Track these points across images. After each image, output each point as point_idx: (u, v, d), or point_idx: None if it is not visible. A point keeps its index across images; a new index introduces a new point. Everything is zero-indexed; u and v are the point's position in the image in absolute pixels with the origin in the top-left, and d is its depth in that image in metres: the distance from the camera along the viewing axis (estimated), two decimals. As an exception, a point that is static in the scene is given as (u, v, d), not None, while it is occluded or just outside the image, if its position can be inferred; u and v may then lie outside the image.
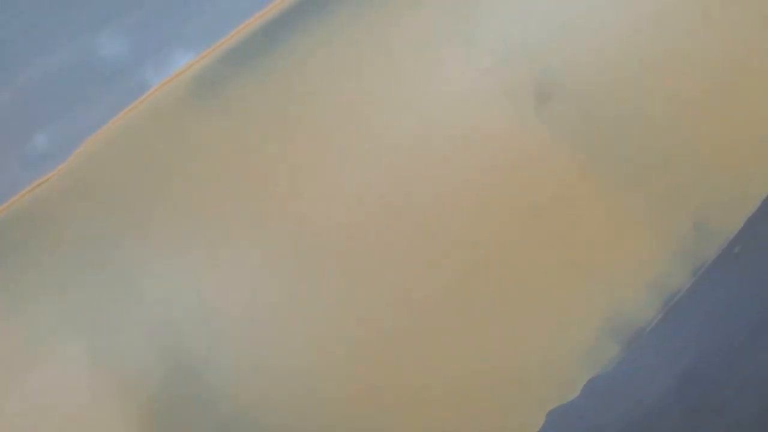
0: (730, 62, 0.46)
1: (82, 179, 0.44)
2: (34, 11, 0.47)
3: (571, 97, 0.45)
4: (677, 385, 0.40)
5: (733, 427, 0.40)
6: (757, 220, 0.43)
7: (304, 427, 0.41)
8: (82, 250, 0.42)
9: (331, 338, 0.43)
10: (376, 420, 0.42)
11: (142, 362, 0.41)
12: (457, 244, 0.43)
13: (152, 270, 0.43)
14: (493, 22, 0.47)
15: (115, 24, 0.47)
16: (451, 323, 0.42)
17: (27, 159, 0.44)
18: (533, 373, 0.41)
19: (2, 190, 0.44)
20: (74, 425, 0.41)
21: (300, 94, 0.45)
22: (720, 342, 0.42)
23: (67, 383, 0.41)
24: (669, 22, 0.47)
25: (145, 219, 0.43)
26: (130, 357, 0.41)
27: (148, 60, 0.45)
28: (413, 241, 0.44)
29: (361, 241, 0.43)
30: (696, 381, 0.41)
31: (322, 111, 0.45)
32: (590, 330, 0.43)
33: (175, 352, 0.42)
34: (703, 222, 0.43)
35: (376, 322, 0.42)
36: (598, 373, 0.38)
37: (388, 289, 0.42)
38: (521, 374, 0.41)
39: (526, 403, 0.41)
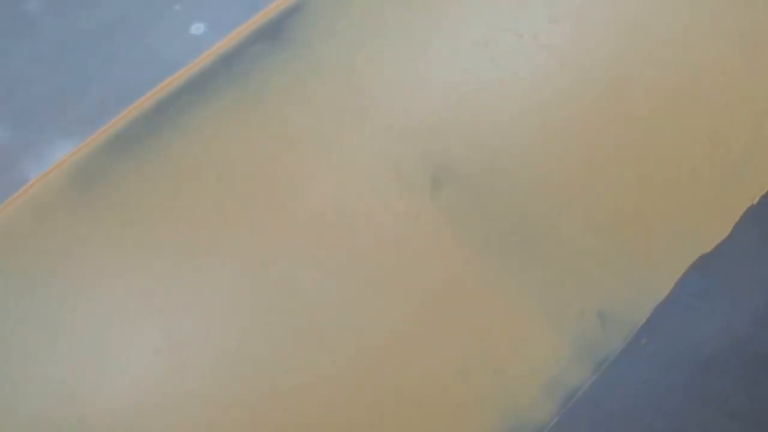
0: (632, 148, 0.44)
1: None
2: None
3: (468, 182, 0.43)
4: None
5: None
6: (668, 308, 0.40)
7: None
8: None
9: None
10: None
11: None
12: (345, 331, 0.40)
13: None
14: (392, 101, 0.45)
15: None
16: (334, 419, 0.39)
17: None
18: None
19: None
20: None
21: (185, 175, 0.43)
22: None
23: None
24: (566, 105, 0.44)
25: (25, 310, 0.41)
26: None
27: (27, 150, 0.43)
28: (295, 323, 0.41)
29: (239, 322, 0.41)
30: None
31: (209, 189, 0.43)
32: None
33: None
34: (608, 311, 0.40)
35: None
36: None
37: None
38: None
39: None
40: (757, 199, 0.43)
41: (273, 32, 0.47)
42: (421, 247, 0.42)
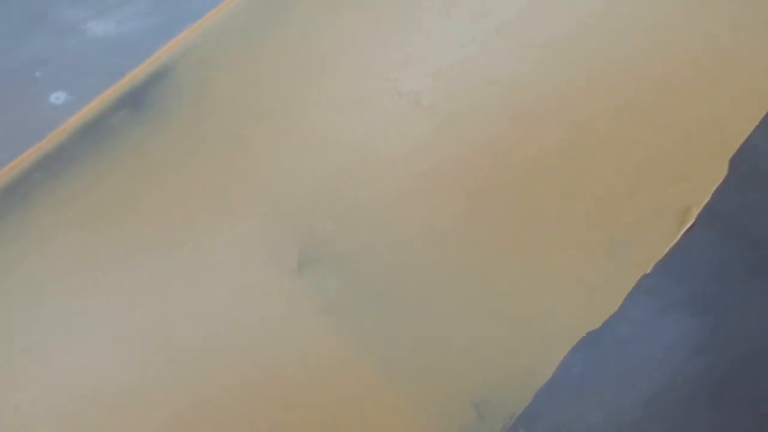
0: (512, 227, 0.41)
1: None
2: None
3: (337, 260, 0.39)
4: None
5: None
6: (549, 393, 0.36)
7: None
8: None
9: None
10: None
11: None
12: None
13: None
14: (262, 170, 0.42)
15: None
16: None
17: None
18: None
19: None
20: None
21: (30, 263, 0.40)
22: None
23: None
24: (450, 173, 0.41)
25: None
26: None
27: None
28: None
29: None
30: None
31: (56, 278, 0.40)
32: None
33: None
34: (484, 401, 0.37)
35: None
36: None
37: None
38: None
39: None
40: (651, 267, 0.39)
41: (137, 100, 0.44)
42: (286, 329, 0.38)
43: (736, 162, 0.43)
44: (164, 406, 0.37)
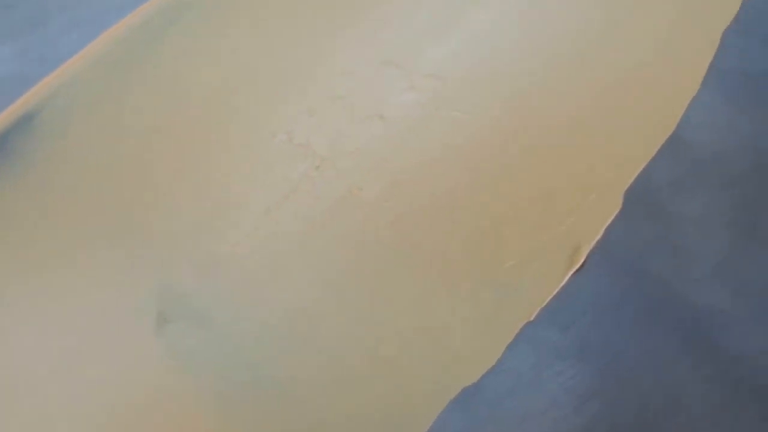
0: (389, 289, 0.38)
1: None
2: None
3: (196, 315, 0.36)
4: None
5: None
6: None
7: None
8: None
9: None
10: None
11: None
12: None
13: None
14: (120, 225, 0.39)
15: None
16: None
17: None
18: None
19: None
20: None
21: None
22: None
23: None
24: (326, 216, 0.38)
25: None
26: None
27: None
28: None
29: None
30: None
31: None
32: None
33: None
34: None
35: None
36: None
37: None
38: None
39: None
40: (535, 315, 0.36)
41: None
42: (144, 396, 0.35)
43: (630, 195, 0.40)
44: None
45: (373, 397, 0.36)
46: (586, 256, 0.39)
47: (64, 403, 0.36)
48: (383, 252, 0.39)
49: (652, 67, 0.44)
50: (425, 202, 0.40)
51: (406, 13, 0.46)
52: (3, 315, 0.38)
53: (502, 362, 0.36)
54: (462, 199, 0.40)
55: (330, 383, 0.36)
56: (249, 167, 0.41)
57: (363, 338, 0.37)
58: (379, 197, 0.40)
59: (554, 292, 0.38)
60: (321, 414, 0.35)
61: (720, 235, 0.41)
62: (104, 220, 0.40)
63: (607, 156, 0.41)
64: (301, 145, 0.42)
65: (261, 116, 0.42)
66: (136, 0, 0.45)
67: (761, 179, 0.42)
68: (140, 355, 0.37)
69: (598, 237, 0.39)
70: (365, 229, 0.39)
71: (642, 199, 0.41)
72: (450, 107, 0.43)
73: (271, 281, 0.38)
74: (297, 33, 0.46)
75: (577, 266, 0.38)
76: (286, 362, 0.37)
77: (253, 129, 0.42)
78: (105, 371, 0.37)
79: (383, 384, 0.36)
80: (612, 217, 0.40)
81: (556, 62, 0.44)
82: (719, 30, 0.46)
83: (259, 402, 0.36)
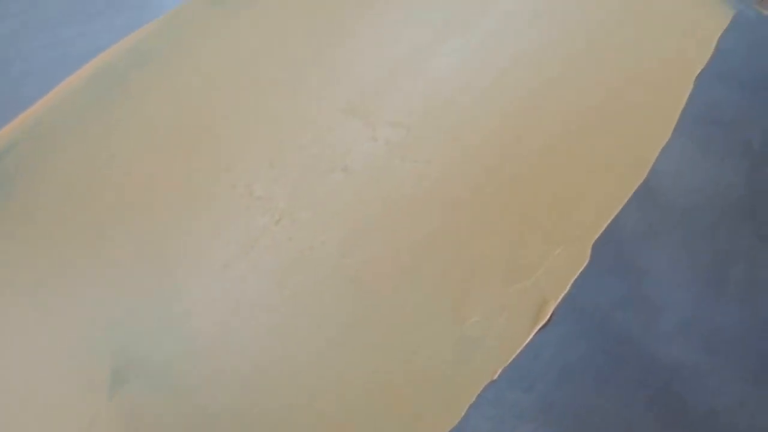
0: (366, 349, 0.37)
1: None
2: None
3: (152, 380, 0.35)
4: None
5: None
6: None
7: None
8: None
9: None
10: None
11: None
12: None
13: None
14: (65, 280, 0.38)
15: None
16: None
17: None
18: None
19: None
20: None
21: None
22: None
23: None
24: (291, 265, 0.37)
25: None
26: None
27: None
28: None
29: None
30: None
31: None
32: None
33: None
34: None
35: None
36: None
37: None
38: None
39: None
40: (497, 374, 0.35)
41: None
42: None
43: (598, 247, 0.39)
44: None
45: None
46: (552, 311, 0.38)
47: None
48: (342, 308, 0.38)
49: (623, 115, 0.43)
50: (386, 254, 0.39)
51: (369, 60, 0.45)
52: None
53: (463, 423, 0.35)
54: (425, 251, 0.39)
55: None
56: (209, 220, 0.40)
57: (317, 400, 0.36)
58: (339, 252, 0.39)
59: (518, 350, 0.37)
60: None
61: (687, 288, 0.40)
62: (59, 279, 0.39)
63: (575, 207, 0.40)
64: (261, 198, 0.41)
65: (222, 167, 0.41)
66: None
67: (729, 231, 0.41)
68: (94, 416, 0.36)
69: (565, 292, 0.38)
70: (324, 285, 0.38)
71: (610, 251, 0.39)
72: (413, 157, 0.42)
73: (226, 339, 0.37)
74: (259, 82, 0.45)
75: (543, 322, 0.37)
76: (241, 421, 0.35)
77: (213, 180, 0.41)
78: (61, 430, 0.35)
79: None
80: (580, 270, 0.39)
81: (522, 113, 0.43)
82: (692, 75, 0.45)
83: None
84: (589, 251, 0.39)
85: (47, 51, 0.46)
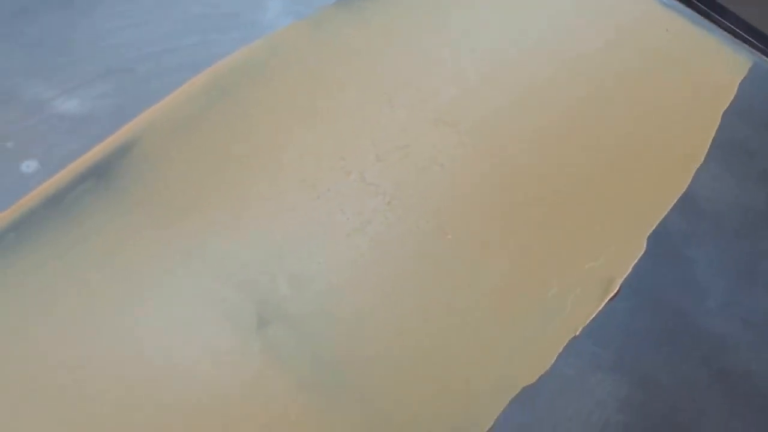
0: (452, 292, 0.45)
1: None
2: None
3: (293, 320, 0.43)
4: None
5: None
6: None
7: None
8: None
9: None
10: None
11: None
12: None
13: None
14: (218, 242, 0.45)
15: None
16: None
17: None
18: None
19: None
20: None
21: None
22: None
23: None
24: (395, 242, 0.45)
25: None
26: None
27: None
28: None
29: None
30: None
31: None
32: None
33: None
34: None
35: None
36: None
37: None
38: None
39: None
40: (578, 331, 0.43)
41: (102, 171, 0.47)
42: (246, 383, 0.41)
43: (652, 240, 0.48)
44: None
45: (451, 392, 0.43)
46: (619, 286, 0.47)
47: (179, 388, 0.42)
48: (444, 274, 0.46)
49: (664, 138, 0.54)
50: (480, 229, 0.48)
51: (450, 77, 0.55)
52: (128, 315, 0.44)
53: (553, 369, 0.44)
54: (511, 235, 0.48)
55: (416, 375, 0.43)
56: (331, 199, 0.48)
57: (441, 341, 0.44)
58: (440, 227, 0.48)
59: (593, 315, 0.45)
60: (393, 405, 0.42)
61: (726, 277, 0.49)
62: (202, 237, 0.47)
63: (634, 206, 0.50)
64: (372, 183, 0.49)
65: (337, 158, 0.50)
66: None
67: (755, 235, 0.51)
68: (244, 350, 0.43)
69: (627, 272, 0.47)
70: (429, 254, 0.47)
71: (661, 243, 0.49)
72: (498, 154, 0.51)
73: (349, 291, 0.45)
74: (361, 96, 0.54)
75: (611, 295, 0.46)
76: (362, 359, 0.43)
77: (331, 167, 0.50)
78: (212, 362, 0.43)
79: (460, 382, 0.43)
80: (638, 257, 0.48)
81: (589, 124, 0.53)
82: (720, 110, 0.55)
83: (339, 394, 0.42)
84: (644, 242, 0.49)
85: (170, 56, 0.54)
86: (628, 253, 0.47)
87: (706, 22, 0.61)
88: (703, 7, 0.62)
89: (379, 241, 0.46)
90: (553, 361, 0.43)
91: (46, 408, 0.40)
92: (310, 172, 0.49)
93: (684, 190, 0.50)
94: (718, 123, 0.53)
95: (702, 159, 0.52)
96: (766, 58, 0.58)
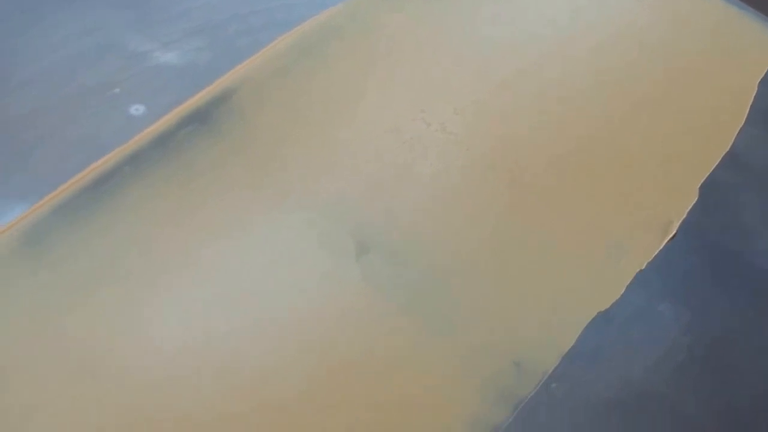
0: (532, 220, 0.50)
1: None
2: None
3: (390, 249, 0.48)
4: None
5: None
6: (572, 358, 0.45)
7: None
8: None
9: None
10: None
11: None
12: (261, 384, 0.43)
13: None
14: (314, 180, 0.50)
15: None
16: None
17: None
18: None
19: None
20: None
21: (121, 240, 0.47)
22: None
23: None
24: (472, 186, 0.51)
25: None
26: None
27: None
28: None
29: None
30: None
31: (142, 251, 0.48)
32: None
33: None
34: (522, 362, 0.45)
35: None
36: None
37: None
38: None
39: None
40: (644, 265, 0.49)
41: (203, 117, 0.52)
42: (345, 305, 0.46)
43: (703, 190, 0.54)
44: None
45: (534, 315, 0.48)
46: (676, 229, 0.52)
47: (285, 315, 0.47)
48: (520, 217, 0.52)
49: (708, 103, 0.60)
50: (551, 184, 0.53)
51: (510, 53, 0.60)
52: (232, 244, 0.49)
53: (624, 297, 0.49)
54: (583, 184, 0.53)
55: (494, 308, 0.48)
56: (414, 145, 0.54)
57: (525, 272, 0.49)
58: (512, 169, 0.53)
59: (656, 252, 0.51)
60: (484, 329, 0.47)
61: (771, 222, 0.55)
62: (300, 176, 0.52)
63: (686, 163, 0.56)
64: (452, 133, 0.55)
65: (418, 110, 0.56)
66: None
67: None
68: (345, 276, 0.48)
69: (683, 217, 0.53)
70: (503, 196, 0.52)
71: (711, 193, 0.55)
72: (562, 114, 0.57)
73: (437, 227, 0.51)
74: (437, 56, 0.59)
75: (671, 235, 0.52)
76: (454, 286, 0.49)
77: (413, 119, 0.55)
78: (317, 288, 0.48)
79: (542, 306, 0.48)
80: (692, 203, 0.54)
81: (646, 90, 0.59)
82: (756, 79, 0.62)
83: (436, 320, 0.47)
84: (696, 191, 0.55)
85: (256, 17, 0.59)
86: (682, 200, 0.53)
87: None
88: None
89: (460, 183, 0.51)
90: (623, 291, 0.48)
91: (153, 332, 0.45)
92: (392, 122, 0.54)
93: (728, 149, 0.56)
94: (755, 90, 0.59)
95: (743, 121, 0.58)
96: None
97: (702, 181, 0.54)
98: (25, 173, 0.49)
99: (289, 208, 0.49)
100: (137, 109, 0.52)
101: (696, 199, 0.53)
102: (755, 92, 0.59)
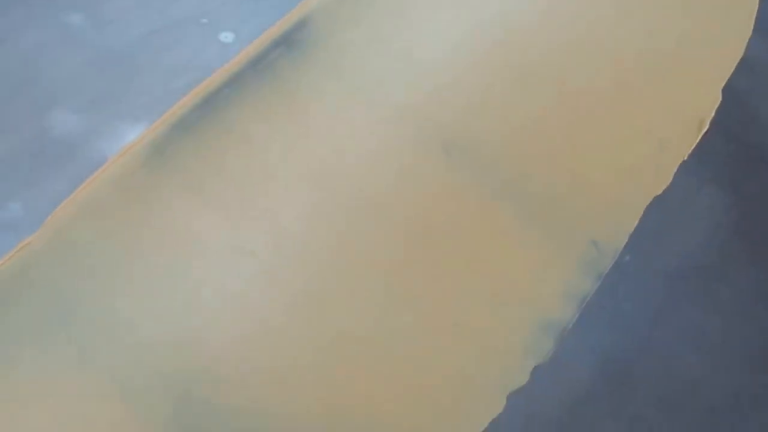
0: (595, 116, 0.58)
1: (56, 245, 0.49)
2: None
3: (475, 145, 0.55)
4: (599, 368, 0.49)
5: (650, 398, 0.50)
6: (639, 236, 0.53)
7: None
8: (57, 308, 0.47)
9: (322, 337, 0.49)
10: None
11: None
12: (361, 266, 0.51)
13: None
14: (399, 89, 0.57)
15: (65, 104, 0.53)
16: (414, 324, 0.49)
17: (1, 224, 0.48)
18: (492, 366, 0.49)
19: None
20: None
21: (231, 148, 0.53)
22: (625, 331, 0.51)
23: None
24: (557, 72, 0.58)
25: (115, 281, 0.49)
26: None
27: (102, 134, 0.51)
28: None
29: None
30: (612, 362, 0.50)
31: (255, 163, 0.53)
32: (529, 331, 0.52)
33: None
34: (598, 240, 0.53)
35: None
36: (539, 363, 0.46)
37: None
38: (480, 367, 0.49)
39: (489, 390, 0.48)
40: (686, 156, 0.58)
41: (288, 40, 0.58)
42: (436, 193, 0.53)
43: (726, 91, 0.63)
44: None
45: (600, 202, 0.56)
46: (708, 124, 0.61)
47: (375, 209, 0.54)
48: (580, 130, 0.60)
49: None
50: (593, 88, 0.61)
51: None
52: (328, 149, 0.55)
53: (673, 183, 0.58)
54: (626, 89, 0.61)
55: (570, 188, 0.56)
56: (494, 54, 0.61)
57: (584, 162, 0.58)
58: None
59: (693, 145, 0.60)
60: (574, 198, 0.55)
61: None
62: (378, 84, 0.58)
63: (708, 69, 0.64)
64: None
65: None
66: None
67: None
68: (436, 170, 0.55)
69: (712, 115, 0.62)
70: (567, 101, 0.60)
71: (730, 98, 0.64)
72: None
73: (520, 121, 0.58)
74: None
75: (704, 130, 0.61)
76: (539, 174, 0.56)
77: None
78: (413, 182, 0.55)
79: (597, 187, 0.57)
80: (718, 103, 0.63)
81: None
82: (751, 18, 0.70)
83: (528, 202, 0.55)
84: (720, 93, 0.64)
85: None
86: (710, 100, 0.62)
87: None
88: None
89: (545, 79, 0.59)
90: (671, 177, 0.57)
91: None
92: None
93: (740, 58, 0.65)
94: (751, 27, 0.68)
95: (750, 33, 0.67)
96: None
97: (723, 84, 0.62)
98: (134, 99, 0.54)
99: (373, 115, 0.55)
100: (226, 37, 0.57)
101: (720, 99, 0.61)
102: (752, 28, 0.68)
